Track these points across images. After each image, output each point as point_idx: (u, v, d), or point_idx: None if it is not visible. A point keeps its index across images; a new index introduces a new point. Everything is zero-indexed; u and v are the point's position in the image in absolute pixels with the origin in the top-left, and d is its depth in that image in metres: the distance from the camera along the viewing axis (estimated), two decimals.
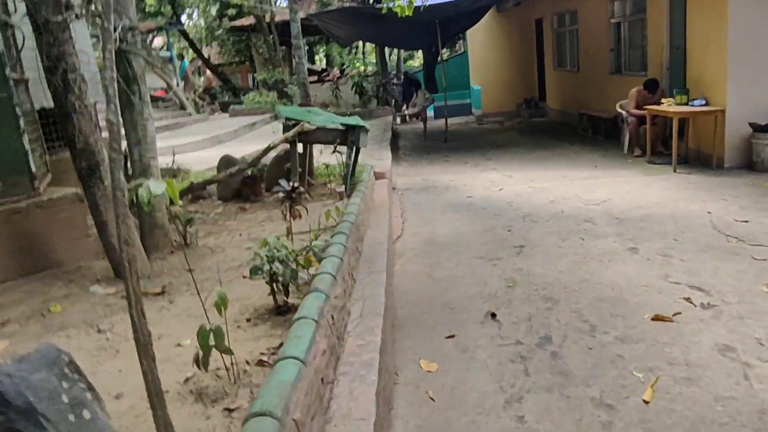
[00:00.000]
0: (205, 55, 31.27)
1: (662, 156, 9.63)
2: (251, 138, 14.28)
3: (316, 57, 41.19)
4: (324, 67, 30.22)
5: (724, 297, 4.15)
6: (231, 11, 22.89)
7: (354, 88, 18.64)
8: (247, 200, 6.10)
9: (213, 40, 30.53)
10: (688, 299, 4.14)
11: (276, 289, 3.11)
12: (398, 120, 20.03)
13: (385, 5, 9.43)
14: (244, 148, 11.71)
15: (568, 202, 7.23)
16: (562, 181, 8.52)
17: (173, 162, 7.98)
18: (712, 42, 8.69)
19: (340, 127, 5.87)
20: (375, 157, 10.10)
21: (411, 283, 4.87)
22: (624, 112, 10.46)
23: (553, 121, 15.97)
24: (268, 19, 20.28)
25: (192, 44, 27.79)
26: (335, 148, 5.90)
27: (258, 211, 5.76)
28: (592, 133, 12.76)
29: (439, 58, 14.57)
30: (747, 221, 5.95)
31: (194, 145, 12.79)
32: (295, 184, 3.94)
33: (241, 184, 6.11)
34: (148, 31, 19.40)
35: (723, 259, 4.93)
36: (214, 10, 27.27)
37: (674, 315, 3.91)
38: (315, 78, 24.16)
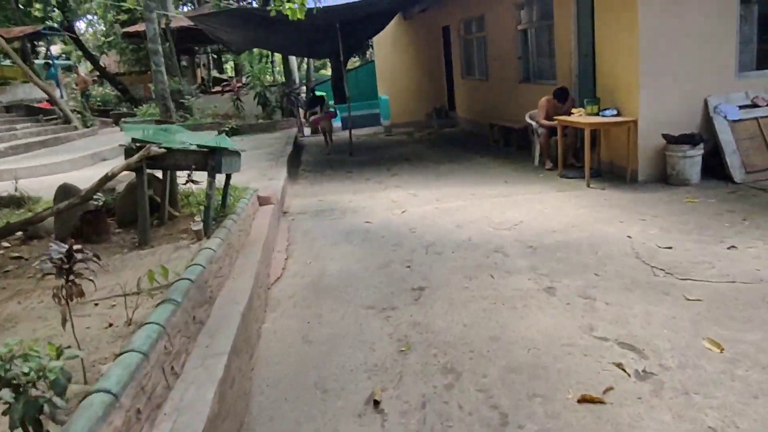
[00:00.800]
0: (104, 64, 29.20)
1: (574, 169, 8.98)
2: None
3: (226, 66, 39.46)
4: (230, 76, 28.69)
5: (662, 359, 3.30)
6: (123, 16, 21.11)
7: (257, 99, 17.37)
8: (88, 240, 4.85)
9: (111, 48, 28.49)
10: (619, 365, 3.26)
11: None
12: (307, 131, 18.93)
13: (273, 8, 8.32)
14: None
15: (477, 227, 6.35)
16: (471, 200, 7.66)
17: (16, 189, 6.59)
18: (623, 49, 8.09)
19: (204, 149, 4.72)
20: (268, 176, 8.97)
21: (280, 350, 3.78)
22: (534, 123, 9.78)
23: (463, 131, 15.28)
24: (163, 25, 18.68)
25: (86, 52, 25.73)
26: (189, 175, 4.76)
27: (101, 253, 4.52)
28: (503, 144, 12.08)
29: (344, 67, 13.56)
30: (671, 247, 5.23)
31: (71, 164, 11.23)
32: (75, 247, 2.76)
33: (80, 221, 4.86)
34: (24, 35, 17.39)
35: (653, 300, 4.12)
36: (111, 16, 25.35)
37: (605, 392, 3.01)
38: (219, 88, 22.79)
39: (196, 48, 25.97)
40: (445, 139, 14.16)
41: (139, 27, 20.36)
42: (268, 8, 8.39)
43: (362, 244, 6.04)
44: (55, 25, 24.72)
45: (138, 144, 4.62)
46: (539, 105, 9.52)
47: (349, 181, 9.80)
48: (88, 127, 16.67)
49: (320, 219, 7.28)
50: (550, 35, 10.59)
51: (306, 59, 30.05)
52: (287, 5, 8.44)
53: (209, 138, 4.86)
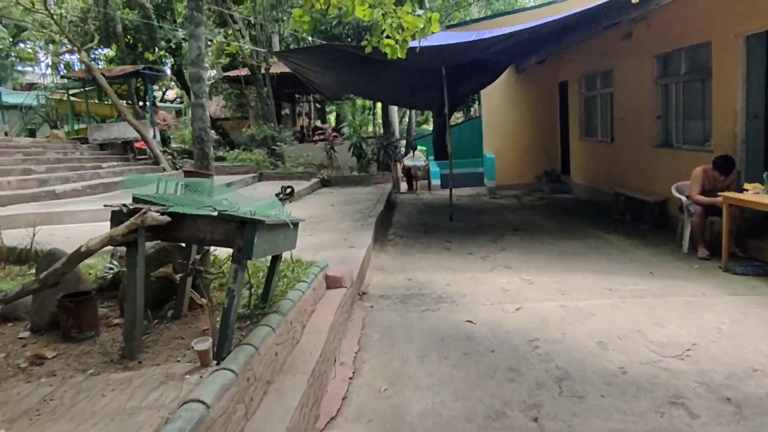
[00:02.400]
0: (213, 108, 29.31)
1: (741, 261, 6.75)
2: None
3: (329, 116, 39.04)
4: (332, 126, 27.87)
5: None
6: (224, 60, 20.66)
7: (352, 150, 16.03)
8: (66, 336, 3.31)
9: (217, 93, 28.51)
10: None
11: None
12: (403, 186, 17.43)
13: (369, 44, 6.82)
14: None
15: (629, 348, 4.32)
16: (609, 297, 5.62)
17: (31, 243, 5.25)
18: None
19: (232, 218, 3.05)
20: (349, 241, 7.32)
21: None
22: (684, 198, 7.64)
23: (579, 199, 13.13)
24: (263, 70, 17.94)
25: (190, 94, 25.70)
26: (193, 263, 3.13)
27: (64, 367, 2.93)
28: (631, 218, 9.91)
29: (448, 120, 11.86)
30: None
31: None
32: None
33: (58, 308, 3.33)
34: (125, 75, 17.00)
35: None
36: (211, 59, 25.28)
37: None
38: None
39: (298, 96, 25.36)
40: (558, 207, 12.09)
41: (240, 71, 19.84)
42: (363, 43, 6.88)
43: (462, 361, 4.15)
44: (167, 68, 24.81)
45: (133, 206, 3.04)
46: (693, 176, 7.41)
47: (446, 253, 7.95)
48: (176, 170, 15.86)
49: (407, 309, 5.45)
50: (703, 91, 8.51)
51: (408, 112, 28.88)
52: (385, 41, 6.93)
53: (251, 202, 3.22)
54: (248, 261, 3.09)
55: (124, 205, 3.02)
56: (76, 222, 9.11)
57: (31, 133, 21.05)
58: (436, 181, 16.89)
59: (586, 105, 13.32)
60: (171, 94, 42.69)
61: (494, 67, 11.84)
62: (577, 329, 4.75)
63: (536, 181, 15.14)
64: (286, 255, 4.56)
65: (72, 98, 20.28)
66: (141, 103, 23.10)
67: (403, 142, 23.46)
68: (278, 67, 17.81)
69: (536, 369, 3.97)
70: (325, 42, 16.07)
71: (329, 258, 6.24)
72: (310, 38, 16.83)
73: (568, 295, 5.75)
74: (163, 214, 2.91)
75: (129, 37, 23.08)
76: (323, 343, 3.62)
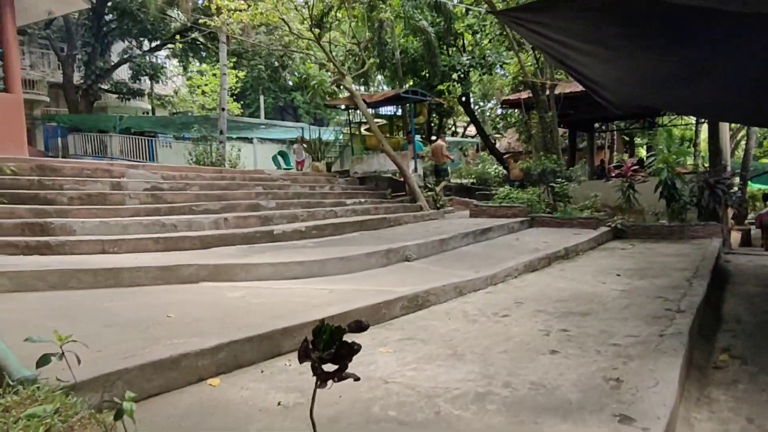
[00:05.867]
0: (496, 141, 26.65)
1: None
2: (462, 256, 8.33)
3: (639, 149, 33.00)
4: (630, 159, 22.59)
5: None
6: (503, 81, 17.39)
7: (661, 190, 11.30)
8: None
9: (509, 126, 25.58)
10: None
11: None
12: (735, 238, 12.03)
13: None
14: (421, 282, 5.84)
15: None
16: None
17: None
18: None
19: None
20: (622, 394, 3.29)
21: None
22: None
23: None
24: (547, 90, 14.21)
25: (478, 126, 23.14)
26: None
27: None
28: None
29: None
30: None
31: (343, 263, 7.24)
32: None
33: None
34: (385, 99, 14.95)
35: None
36: (507, 90, 22.23)
37: None
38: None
39: (598, 124, 20.88)
40: None
41: (521, 95, 16.43)
42: None
43: None
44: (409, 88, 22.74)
45: None
46: None
47: None
48: (438, 209, 13.06)
49: None
50: None
51: (746, 138, 21.93)
52: None
53: None
54: None
55: None
56: (251, 279, 6.66)
57: (327, 167, 20.69)
58: None
59: None
60: (473, 129, 41.16)
61: None
62: None
63: None
64: None
65: (366, 132, 19.35)
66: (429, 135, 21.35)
67: (737, 179, 17.35)
68: (566, 86, 13.96)
69: None
70: None
71: None
72: None
73: None
74: None
75: (425, 71, 21.57)
76: None
